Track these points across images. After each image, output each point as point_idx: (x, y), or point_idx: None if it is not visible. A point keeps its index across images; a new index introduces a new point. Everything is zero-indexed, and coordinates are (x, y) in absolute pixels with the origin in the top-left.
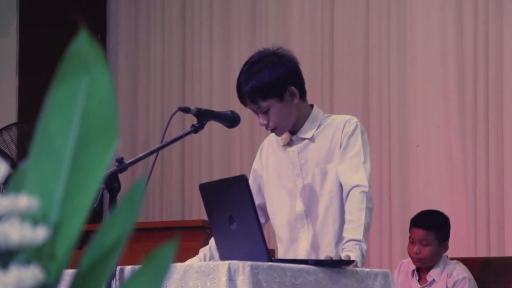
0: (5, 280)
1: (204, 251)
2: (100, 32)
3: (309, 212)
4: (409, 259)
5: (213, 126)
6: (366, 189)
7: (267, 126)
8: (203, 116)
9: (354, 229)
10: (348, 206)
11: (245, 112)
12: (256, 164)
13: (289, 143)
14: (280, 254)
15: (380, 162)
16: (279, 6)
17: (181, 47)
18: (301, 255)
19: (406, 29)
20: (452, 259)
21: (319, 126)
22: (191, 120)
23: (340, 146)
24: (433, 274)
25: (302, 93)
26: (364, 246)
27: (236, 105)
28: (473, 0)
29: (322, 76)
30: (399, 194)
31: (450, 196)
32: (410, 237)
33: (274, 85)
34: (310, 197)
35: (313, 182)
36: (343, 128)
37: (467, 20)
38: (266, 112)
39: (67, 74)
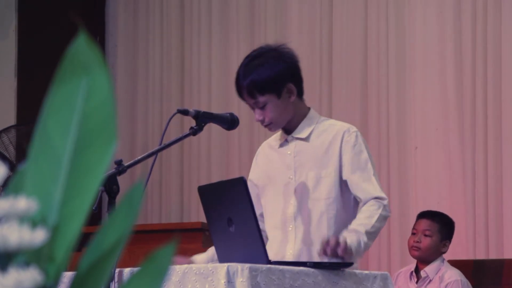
0: (4, 282)
1: (213, 250)
2: (98, 34)
3: (300, 215)
4: (406, 267)
5: (212, 128)
6: (385, 202)
7: (262, 121)
8: (202, 118)
9: (359, 224)
10: (363, 209)
11: (243, 114)
12: (252, 175)
13: (284, 144)
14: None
15: (379, 164)
16: (278, 7)
17: (179, 49)
18: (288, 258)
19: (404, 31)
20: (450, 261)
21: (315, 128)
22: (190, 122)
23: (340, 155)
24: (428, 270)
25: (300, 92)
26: (365, 238)
27: (234, 107)
28: (471, 3)
29: (320, 77)
30: (398, 196)
31: (449, 198)
32: (413, 228)
33: (273, 81)
34: (301, 200)
35: (306, 185)
36: (343, 137)
37: (465, 22)
38: (262, 108)
39: (66, 76)
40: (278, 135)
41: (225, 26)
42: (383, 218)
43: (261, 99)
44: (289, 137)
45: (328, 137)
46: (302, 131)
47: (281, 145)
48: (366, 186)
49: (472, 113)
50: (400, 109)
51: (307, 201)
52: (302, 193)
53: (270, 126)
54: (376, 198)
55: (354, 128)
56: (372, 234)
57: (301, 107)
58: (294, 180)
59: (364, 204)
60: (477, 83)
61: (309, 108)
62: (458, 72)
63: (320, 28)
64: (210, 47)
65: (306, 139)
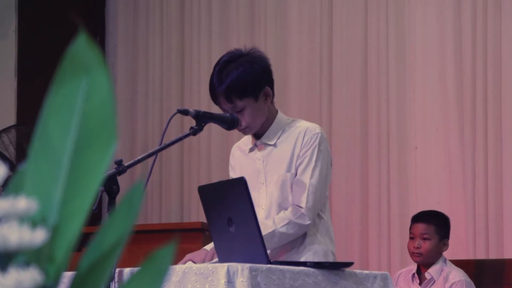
0: (4, 283)
1: None
2: (99, 34)
3: (270, 218)
4: (407, 268)
5: (212, 128)
6: (303, 210)
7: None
8: (202, 118)
9: (262, 224)
10: (280, 213)
11: None
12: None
13: (253, 148)
14: None
15: (379, 164)
16: (278, 7)
17: (179, 49)
18: None
19: (404, 31)
20: (450, 261)
21: (283, 132)
22: (190, 122)
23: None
24: (432, 271)
25: (273, 95)
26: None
27: None
28: (471, 3)
29: (320, 77)
30: (398, 196)
31: (449, 198)
32: (410, 233)
33: (252, 84)
34: (271, 204)
35: (274, 190)
36: (304, 137)
37: (465, 22)
38: (239, 112)
39: (66, 76)
40: (247, 138)
41: (225, 26)
42: (296, 225)
43: (239, 103)
44: (258, 142)
45: (293, 140)
46: (271, 136)
47: (251, 150)
48: (296, 190)
49: (472, 113)
50: (400, 109)
51: (276, 205)
52: (272, 197)
53: (246, 130)
54: (297, 205)
55: (316, 129)
56: (273, 237)
57: (272, 110)
58: (265, 185)
59: (288, 207)
60: (477, 83)
61: (277, 111)
62: (458, 72)
63: (320, 28)
64: (210, 47)
65: (274, 145)
